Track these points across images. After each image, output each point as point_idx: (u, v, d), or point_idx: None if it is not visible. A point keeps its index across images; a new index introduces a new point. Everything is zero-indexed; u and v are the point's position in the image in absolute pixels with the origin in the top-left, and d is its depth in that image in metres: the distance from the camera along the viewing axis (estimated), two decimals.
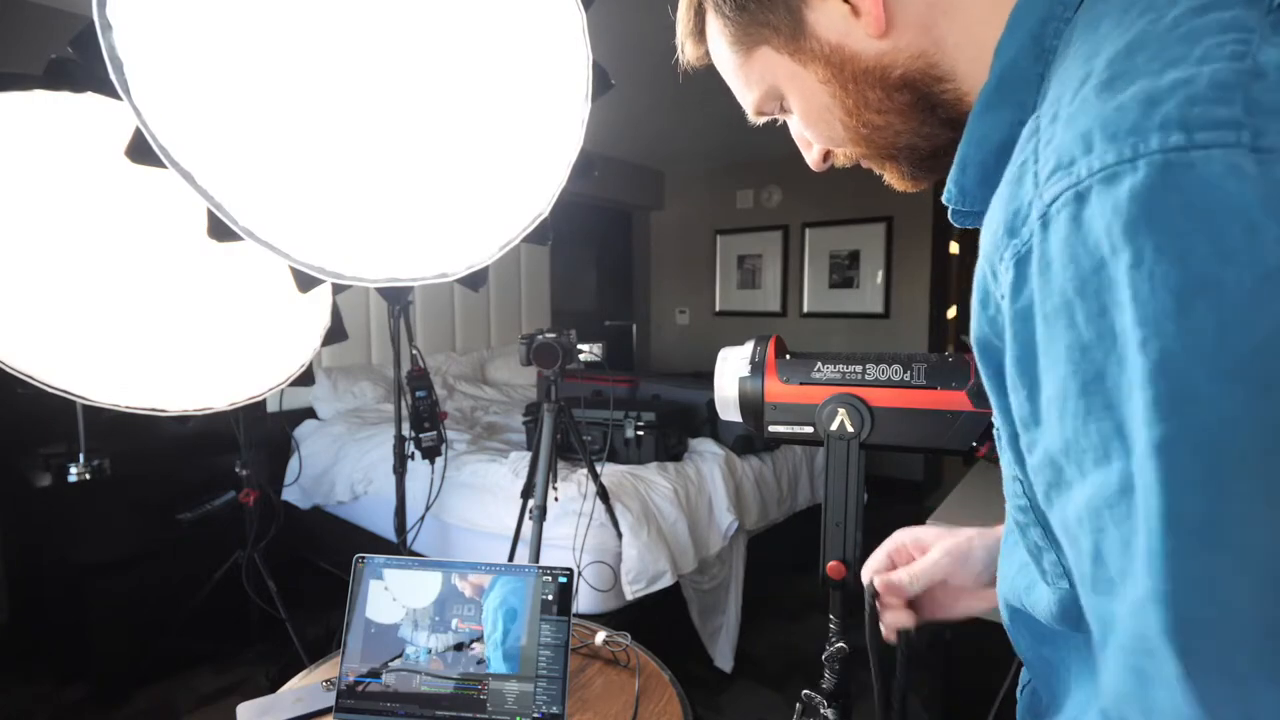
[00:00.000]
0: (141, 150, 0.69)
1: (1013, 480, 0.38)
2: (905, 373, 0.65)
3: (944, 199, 0.43)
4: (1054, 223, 0.29)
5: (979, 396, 0.62)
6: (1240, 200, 0.25)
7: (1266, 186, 0.25)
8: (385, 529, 2.39)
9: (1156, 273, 0.26)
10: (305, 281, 0.88)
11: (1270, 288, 0.25)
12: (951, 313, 4.59)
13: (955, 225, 0.46)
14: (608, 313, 5.30)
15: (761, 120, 0.55)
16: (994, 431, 0.40)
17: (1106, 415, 0.28)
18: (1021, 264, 0.31)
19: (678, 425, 2.50)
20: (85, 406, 1.21)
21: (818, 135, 0.51)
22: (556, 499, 1.94)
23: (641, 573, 1.99)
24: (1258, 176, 0.25)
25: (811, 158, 0.54)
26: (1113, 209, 0.27)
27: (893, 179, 0.51)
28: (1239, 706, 0.26)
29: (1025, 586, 0.41)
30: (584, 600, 1.96)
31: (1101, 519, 0.29)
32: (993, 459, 0.51)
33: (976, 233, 0.39)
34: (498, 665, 0.95)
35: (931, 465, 4.52)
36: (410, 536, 1.92)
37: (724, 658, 2.31)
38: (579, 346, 1.83)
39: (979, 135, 0.40)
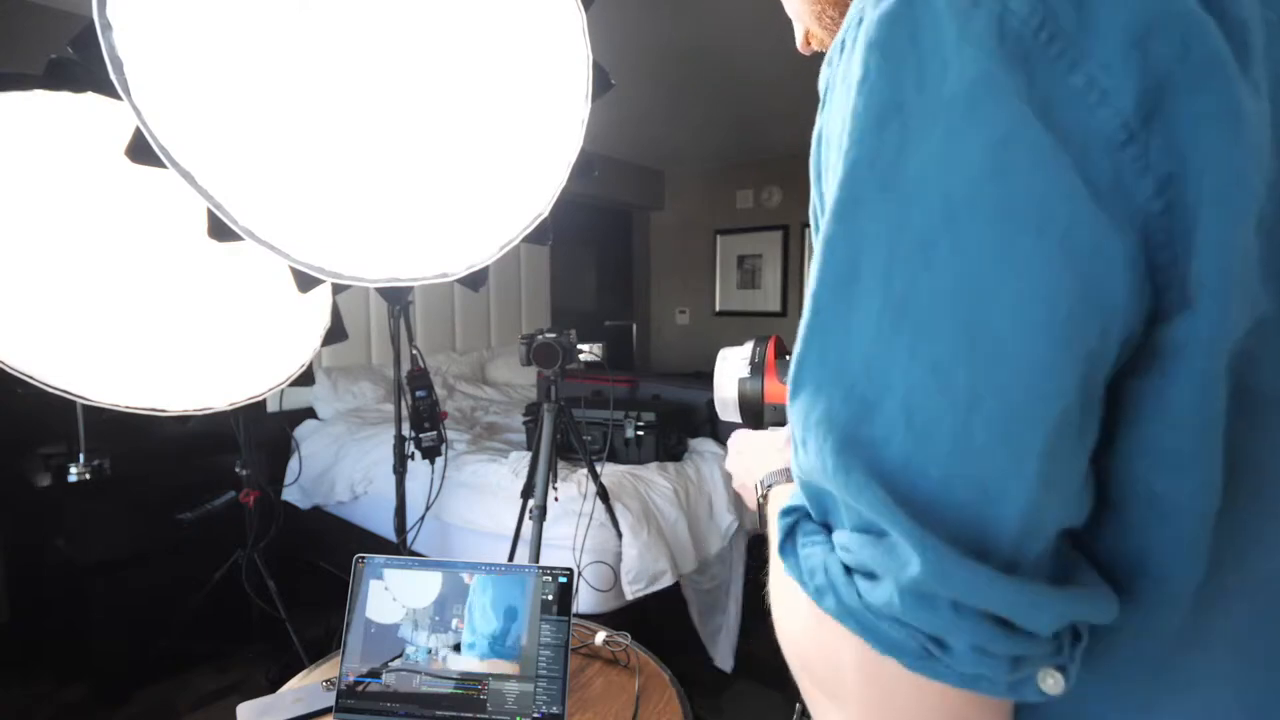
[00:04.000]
0: (141, 150, 0.69)
1: None
2: None
3: None
4: (846, 45, 0.31)
5: None
6: (947, 34, 0.27)
7: (970, 24, 0.27)
8: (385, 529, 2.39)
9: (873, 90, 0.28)
10: (305, 281, 0.88)
11: (946, 114, 0.27)
12: None
13: None
14: (608, 313, 5.30)
15: None
16: None
17: (819, 215, 0.31)
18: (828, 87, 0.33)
19: (678, 425, 2.49)
20: (85, 406, 1.21)
21: (792, 10, 0.53)
22: (556, 499, 1.94)
23: (641, 573, 1.99)
24: (967, 12, 0.27)
25: (798, 40, 0.55)
26: (868, 28, 0.29)
27: None
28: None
29: None
30: (584, 600, 1.96)
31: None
32: None
33: None
34: (485, 655, 0.95)
35: None
36: (410, 536, 1.92)
37: (724, 658, 2.31)
38: (579, 346, 1.83)
39: None
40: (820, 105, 0.34)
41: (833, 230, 0.29)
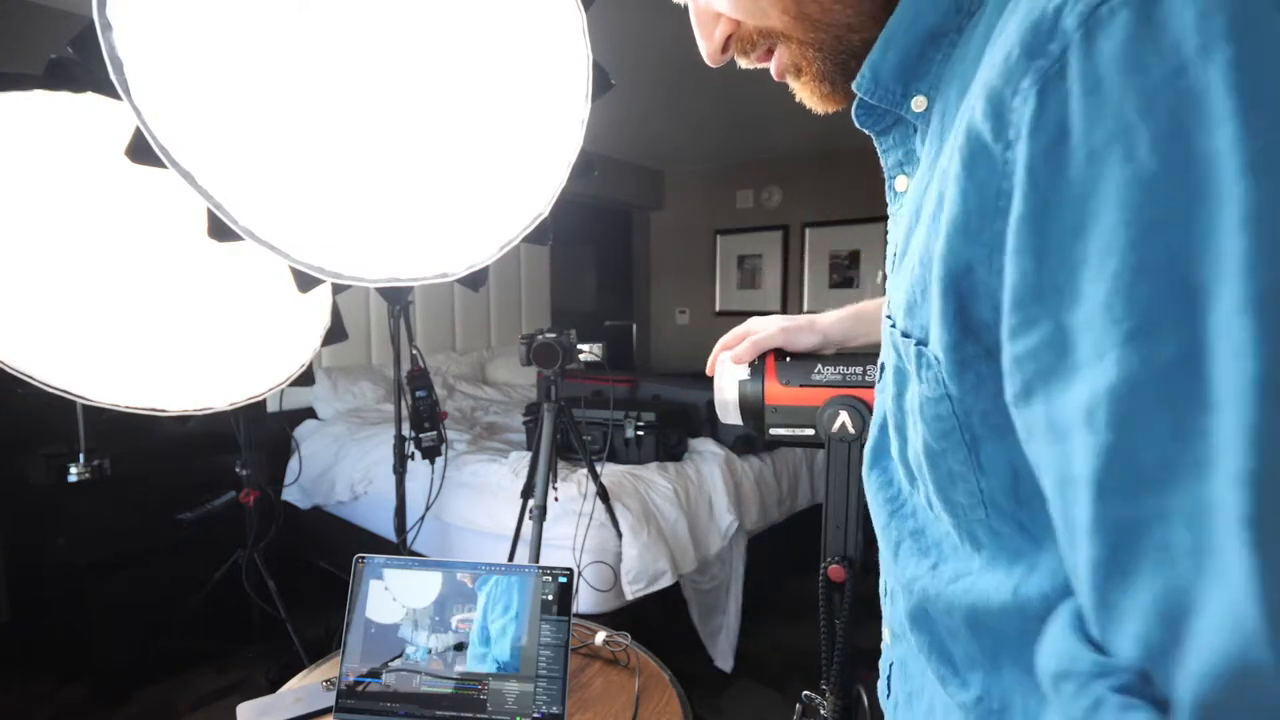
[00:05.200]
0: (141, 150, 0.69)
1: (937, 401, 0.33)
2: None
3: (854, 85, 0.40)
4: (1107, 25, 0.22)
5: None
6: None
7: None
8: (385, 529, 2.39)
9: (1272, 69, 0.19)
10: (305, 281, 0.88)
11: None
12: None
13: (857, 124, 0.41)
14: (608, 313, 5.30)
15: None
16: (905, 353, 0.35)
17: (1165, 270, 0.21)
18: (1050, 88, 0.24)
19: (678, 425, 2.49)
20: (85, 406, 1.21)
21: (736, 3, 0.41)
22: (556, 499, 1.94)
23: (641, 573, 1.99)
24: None
25: (709, 46, 0.44)
26: None
27: (805, 83, 0.43)
28: None
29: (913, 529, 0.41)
30: (584, 600, 1.96)
31: (1130, 404, 0.22)
32: None
33: None
34: (490, 665, 0.95)
35: None
36: (410, 536, 1.92)
37: (724, 658, 2.31)
38: (579, 346, 1.83)
39: (911, 14, 0.36)
40: (1010, 132, 0.26)
41: (1272, 279, 0.20)
